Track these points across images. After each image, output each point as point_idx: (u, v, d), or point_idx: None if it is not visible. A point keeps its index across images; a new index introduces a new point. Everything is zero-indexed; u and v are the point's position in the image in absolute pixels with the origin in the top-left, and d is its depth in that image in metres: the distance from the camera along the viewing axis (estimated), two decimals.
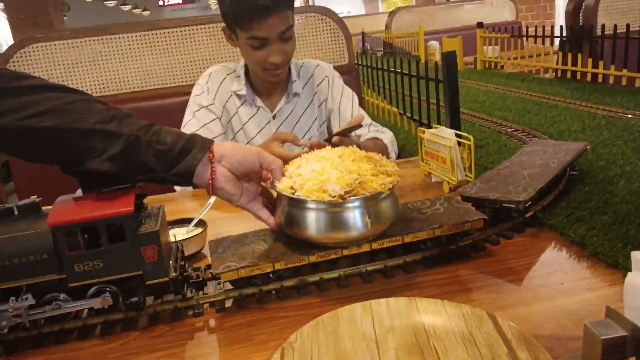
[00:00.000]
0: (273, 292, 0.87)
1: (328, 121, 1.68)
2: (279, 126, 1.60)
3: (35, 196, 0.81)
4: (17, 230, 0.76)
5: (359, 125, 1.30)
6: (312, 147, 1.32)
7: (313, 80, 1.64)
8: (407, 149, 1.78)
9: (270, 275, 0.86)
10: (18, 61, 1.94)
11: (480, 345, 0.67)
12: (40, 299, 0.78)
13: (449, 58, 1.35)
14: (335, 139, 1.32)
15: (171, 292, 0.84)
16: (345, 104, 1.65)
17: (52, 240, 0.76)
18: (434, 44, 4.18)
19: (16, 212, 0.79)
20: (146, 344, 0.77)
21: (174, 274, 0.81)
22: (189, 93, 2.06)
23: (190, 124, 1.57)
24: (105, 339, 0.80)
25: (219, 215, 1.24)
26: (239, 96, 1.57)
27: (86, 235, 0.77)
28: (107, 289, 0.80)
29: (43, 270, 0.77)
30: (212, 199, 1.14)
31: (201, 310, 0.84)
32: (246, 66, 1.57)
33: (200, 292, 0.87)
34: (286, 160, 1.31)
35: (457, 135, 1.25)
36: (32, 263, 0.76)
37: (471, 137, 1.21)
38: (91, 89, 2.03)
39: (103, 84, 2.05)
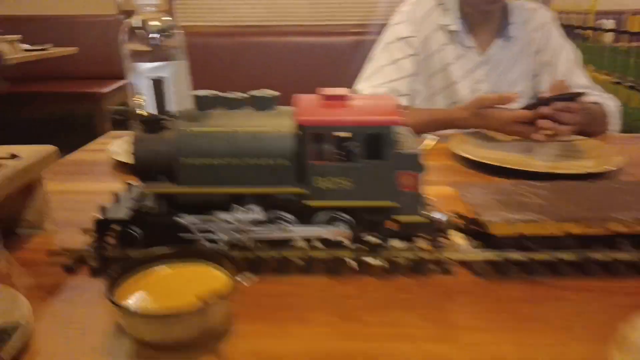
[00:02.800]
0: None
1: (538, 76, 1.41)
2: (488, 73, 1.37)
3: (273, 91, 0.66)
4: (255, 125, 0.62)
5: (573, 95, 1.04)
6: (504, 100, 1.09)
7: (529, 24, 1.37)
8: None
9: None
10: None
11: None
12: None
13: None
14: (523, 112, 1.06)
15: (411, 237, 0.66)
16: (564, 60, 1.37)
17: (296, 144, 0.60)
18: None
19: (252, 105, 0.65)
20: (387, 296, 0.60)
21: (438, 214, 0.63)
22: (355, 34, 1.88)
23: (379, 58, 1.38)
24: (333, 279, 0.64)
25: None
26: (448, 32, 1.35)
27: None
28: (343, 218, 0.64)
29: (277, 180, 0.62)
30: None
31: (449, 267, 0.65)
32: None
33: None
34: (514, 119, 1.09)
35: None
36: (265, 168, 0.61)
37: None
38: (257, 18, 1.91)
39: (269, 12, 1.92)
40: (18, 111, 3.64)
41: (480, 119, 1.13)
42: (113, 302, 0.48)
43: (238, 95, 0.63)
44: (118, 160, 1.04)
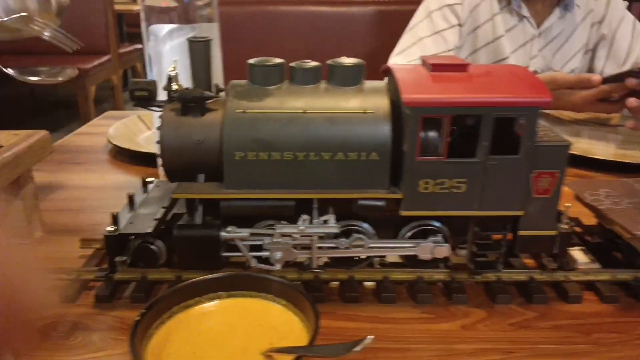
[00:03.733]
0: None
1: (593, 51, 1.25)
2: (543, 47, 1.20)
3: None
4: (334, 106, 0.45)
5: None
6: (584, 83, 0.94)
7: None
8: None
9: None
10: None
11: None
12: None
13: None
14: (603, 87, 0.92)
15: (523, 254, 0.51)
16: (623, 34, 1.21)
17: (391, 131, 0.44)
18: None
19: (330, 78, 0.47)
20: (501, 335, 0.45)
21: (565, 226, 0.47)
22: (376, 2, 1.70)
23: (419, 27, 1.21)
24: (424, 311, 0.48)
25: None
26: None
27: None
28: (437, 229, 0.48)
29: (363, 181, 0.45)
30: None
31: (576, 293, 0.50)
32: None
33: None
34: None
35: None
36: (347, 165, 0.45)
37: None
38: None
39: None
40: None
41: (553, 100, 0.97)
42: None
43: (309, 64, 0.46)
44: (117, 147, 0.86)
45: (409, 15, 1.28)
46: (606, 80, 0.92)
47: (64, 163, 0.84)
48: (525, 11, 1.18)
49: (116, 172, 0.82)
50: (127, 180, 0.78)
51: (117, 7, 4.46)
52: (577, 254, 0.53)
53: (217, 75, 0.66)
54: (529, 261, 0.54)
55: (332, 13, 1.58)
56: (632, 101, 0.87)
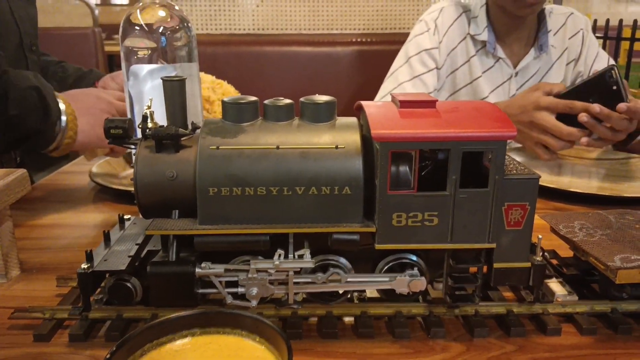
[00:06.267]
0: None
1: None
2: (521, 86, 1.24)
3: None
4: (306, 141, 0.45)
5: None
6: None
7: (565, 31, 1.25)
8: None
9: None
10: None
11: None
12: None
13: None
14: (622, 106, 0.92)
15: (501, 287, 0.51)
16: (599, 69, 1.25)
17: (363, 166, 0.44)
18: None
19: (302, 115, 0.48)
20: None
21: (538, 258, 0.47)
22: (358, 43, 1.75)
23: (400, 72, 1.24)
24: (403, 346, 0.47)
25: None
26: (476, 42, 1.21)
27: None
28: (413, 262, 0.48)
29: (336, 215, 0.45)
30: None
31: (555, 326, 0.50)
32: (487, 5, 1.21)
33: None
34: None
35: None
36: (320, 200, 0.45)
37: None
38: (254, 26, 1.76)
39: (267, 20, 1.78)
40: None
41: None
42: None
43: (282, 101, 0.47)
44: (101, 185, 0.86)
45: (390, 54, 1.31)
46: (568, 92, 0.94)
47: (45, 201, 0.84)
48: (500, 52, 1.21)
49: (98, 210, 0.81)
50: (108, 218, 0.78)
51: (108, 48, 4.51)
52: (555, 286, 0.54)
53: (196, 113, 0.67)
54: (509, 294, 0.55)
55: (316, 53, 1.62)
56: (582, 116, 0.90)
